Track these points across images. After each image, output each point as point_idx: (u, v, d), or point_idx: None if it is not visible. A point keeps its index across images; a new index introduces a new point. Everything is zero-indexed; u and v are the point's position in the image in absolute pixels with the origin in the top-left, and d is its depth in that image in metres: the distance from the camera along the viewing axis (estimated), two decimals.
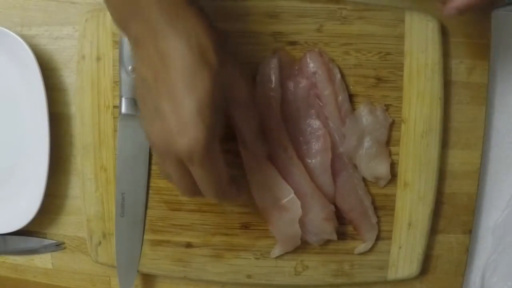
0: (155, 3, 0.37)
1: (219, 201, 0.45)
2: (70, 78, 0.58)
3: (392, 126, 0.55)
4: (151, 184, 0.56)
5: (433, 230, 0.58)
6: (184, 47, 0.36)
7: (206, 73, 0.37)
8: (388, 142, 0.56)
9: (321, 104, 0.54)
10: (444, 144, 0.56)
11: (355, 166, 0.55)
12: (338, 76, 0.54)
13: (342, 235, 0.56)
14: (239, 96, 0.43)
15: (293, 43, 0.54)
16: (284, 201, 0.52)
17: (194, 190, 0.42)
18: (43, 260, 0.61)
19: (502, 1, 0.57)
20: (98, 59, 0.55)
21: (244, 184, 0.52)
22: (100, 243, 0.58)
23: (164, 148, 0.38)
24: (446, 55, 0.56)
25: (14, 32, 0.54)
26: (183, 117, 0.36)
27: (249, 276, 0.57)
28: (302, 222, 0.53)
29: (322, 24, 0.54)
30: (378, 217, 0.56)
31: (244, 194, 0.48)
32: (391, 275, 0.57)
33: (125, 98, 0.54)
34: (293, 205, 0.52)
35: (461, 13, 0.43)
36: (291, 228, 0.53)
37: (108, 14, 0.54)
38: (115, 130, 0.55)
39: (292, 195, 0.52)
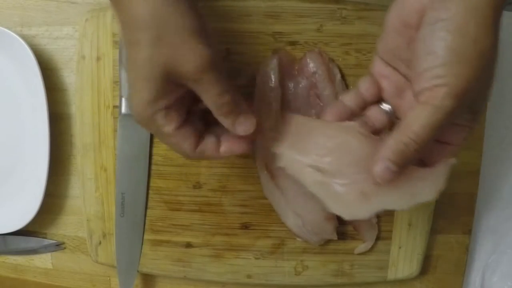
0: None
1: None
2: (70, 78, 0.58)
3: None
4: (151, 184, 0.56)
5: (433, 230, 0.58)
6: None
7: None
8: None
9: (321, 104, 0.54)
10: None
11: None
12: (338, 76, 0.54)
13: (342, 235, 0.56)
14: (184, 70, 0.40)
15: (293, 43, 0.54)
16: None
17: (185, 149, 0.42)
18: (43, 260, 0.61)
19: None
20: (98, 59, 0.55)
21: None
22: (100, 243, 0.58)
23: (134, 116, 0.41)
24: None
25: (14, 32, 0.54)
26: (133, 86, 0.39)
27: (249, 276, 0.57)
28: (302, 222, 0.53)
29: (322, 24, 0.54)
30: (378, 217, 0.56)
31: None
32: (391, 275, 0.57)
33: (125, 98, 0.54)
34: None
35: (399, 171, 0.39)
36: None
37: (108, 14, 0.54)
38: (115, 130, 0.55)
39: None
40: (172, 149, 0.43)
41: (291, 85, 0.54)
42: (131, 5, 0.37)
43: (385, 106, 0.44)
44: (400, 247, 0.57)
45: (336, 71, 0.54)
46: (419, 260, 0.57)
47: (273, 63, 0.53)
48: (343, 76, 0.54)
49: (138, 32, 0.37)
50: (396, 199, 0.42)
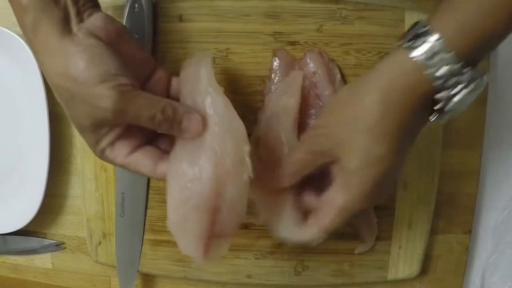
0: None
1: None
2: None
3: None
4: (151, 184, 0.56)
5: (433, 230, 0.58)
6: None
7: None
8: None
9: (321, 104, 0.54)
10: (444, 144, 0.56)
11: None
12: (338, 76, 0.54)
13: (342, 235, 0.56)
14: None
15: (293, 43, 0.54)
16: None
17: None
18: (43, 260, 0.61)
19: None
20: None
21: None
22: (100, 243, 0.58)
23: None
24: None
25: (14, 32, 0.54)
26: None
27: (249, 276, 0.57)
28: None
29: (322, 24, 0.54)
30: (378, 217, 0.56)
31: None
32: (391, 275, 0.57)
33: None
34: None
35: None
36: None
37: (108, 14, 0.54)
38: None
39: None
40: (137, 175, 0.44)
41: None
42: (43, 69, 0.40)
43: None
44: (400, 247, 0.57)
45: (336, 71, 0.54)
46: (419, 260, 0.57)
47: (273, 63, 0.53)
48: (343, 76, 0.54)
49: (58, 95, 0.40)
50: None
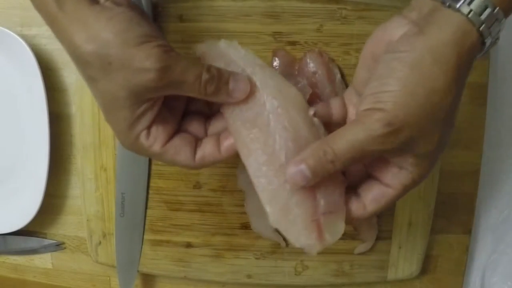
0: None
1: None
2: (70, 78, 0.58)
3: None
4: (151, 184, 0.56)
5: (433, 230, 0.58)
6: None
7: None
8: None
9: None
10: None
11: None
12: (338, 76, 0.54)
13: (342, 235, 0.56)
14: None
15: (293, 43, 0.54)
16: None
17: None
18: (43, 260, 0.61)
19: None
20: None
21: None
22: (100, 243, 0.58)
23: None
24: None
25: (14, 32, 0.54)
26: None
27: (249, 276, 0.57)
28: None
29: (322, 24, 0.54)
30: (378, 217, 0.56)
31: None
32: (391, 275, 0.57)
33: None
34: None
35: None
36: None
37: None
38: None
39: None
40: (171, 165, 0.41)
41: None
42: (71, 43, 0.36)
43: None
44: (400, 247, 0.57)
45: (336, 71, 0.54)
46: (419, 260, 0.57)
47: (273, 63, 0.53)
48: (343, 76, 0.54)
49: (87, 68, 0.36)
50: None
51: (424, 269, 0.59)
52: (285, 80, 0.41)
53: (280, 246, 0.57)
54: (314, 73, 0.53)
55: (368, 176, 0.40)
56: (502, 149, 0.60)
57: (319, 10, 0.54)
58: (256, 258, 0.57)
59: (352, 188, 0.40)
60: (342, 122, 0.42)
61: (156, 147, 0.39)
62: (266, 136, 0.38)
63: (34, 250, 0.60)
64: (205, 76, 0.37)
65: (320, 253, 0.56)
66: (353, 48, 0.54)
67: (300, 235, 0.38)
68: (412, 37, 0.35)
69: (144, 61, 0.35)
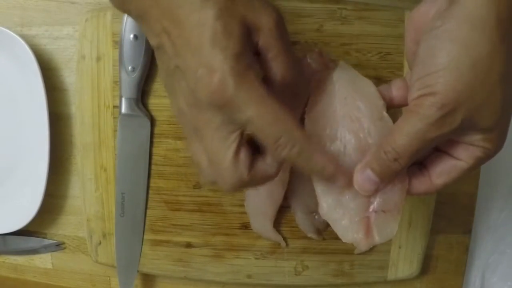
0: None
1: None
2: (70, 78, 0.58)
3: None
4: (151, 184, 0.56)
5: (433, 230, 0.58)
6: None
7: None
8: None
9: None
10: None
11: None
12: None
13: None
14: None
15: (293, 43, 0.54)
16: None
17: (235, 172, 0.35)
18: (43, 260, 0.61)
19: None
20: (98, 59, 0.55)
21: None
22: (100, 243, 0.58)
23: (198, 103, 0.34)
24: None
25: (14, 32, 0.54)
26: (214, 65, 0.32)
27: (249, 276, 0.57)
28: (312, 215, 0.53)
29: (322, 24, 0.54)
30: None
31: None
32: (391, 275, 0.57)
33: (125, 98, 0.54)
34: None
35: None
36: None
37: (108, 14, 0.54)
38: (115, 130, 0.55)
39: None
40: (211, 180, 0.36)
41: None
42: (191, 23, 0.32)
43: None
44: (400, 247, 0.57)
45: None
46: (419, 260, 0.57)
47: None
48: None
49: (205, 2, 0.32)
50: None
51: (424, 269, 0.59)
52: (353, 70, 0.40)
53: (280, 246, 0.57)
54: None
55: (435, 149, 0.38)
56: (502, 149, 0.60)
57: (319, 10, 0.54)
58: (256, 258, 0.57)
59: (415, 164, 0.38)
60: (402, 103, 0.40)
61: (246, 174, 0.35)
62: (334, 124, 0.38)
63: (34, 250, 0.60)
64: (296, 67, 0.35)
65: (320, 253, 0.57)
66: (353, 48, 0.54)
67: (347, 230, 0.38)
68: (444, 10, 0.34)
69: (265, 8, 0.33)
